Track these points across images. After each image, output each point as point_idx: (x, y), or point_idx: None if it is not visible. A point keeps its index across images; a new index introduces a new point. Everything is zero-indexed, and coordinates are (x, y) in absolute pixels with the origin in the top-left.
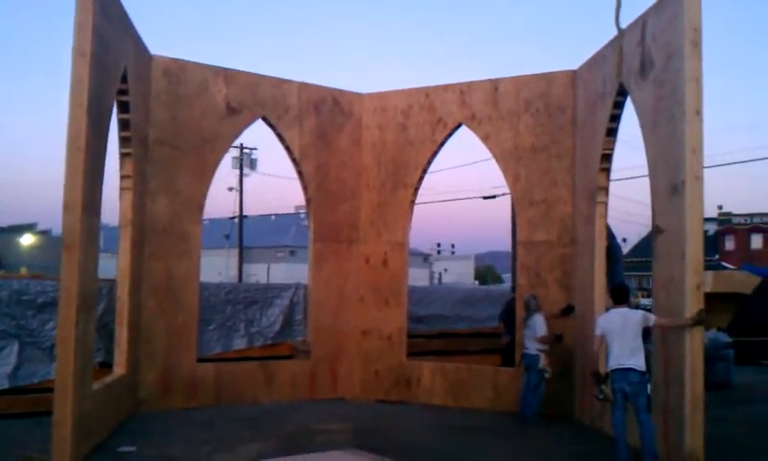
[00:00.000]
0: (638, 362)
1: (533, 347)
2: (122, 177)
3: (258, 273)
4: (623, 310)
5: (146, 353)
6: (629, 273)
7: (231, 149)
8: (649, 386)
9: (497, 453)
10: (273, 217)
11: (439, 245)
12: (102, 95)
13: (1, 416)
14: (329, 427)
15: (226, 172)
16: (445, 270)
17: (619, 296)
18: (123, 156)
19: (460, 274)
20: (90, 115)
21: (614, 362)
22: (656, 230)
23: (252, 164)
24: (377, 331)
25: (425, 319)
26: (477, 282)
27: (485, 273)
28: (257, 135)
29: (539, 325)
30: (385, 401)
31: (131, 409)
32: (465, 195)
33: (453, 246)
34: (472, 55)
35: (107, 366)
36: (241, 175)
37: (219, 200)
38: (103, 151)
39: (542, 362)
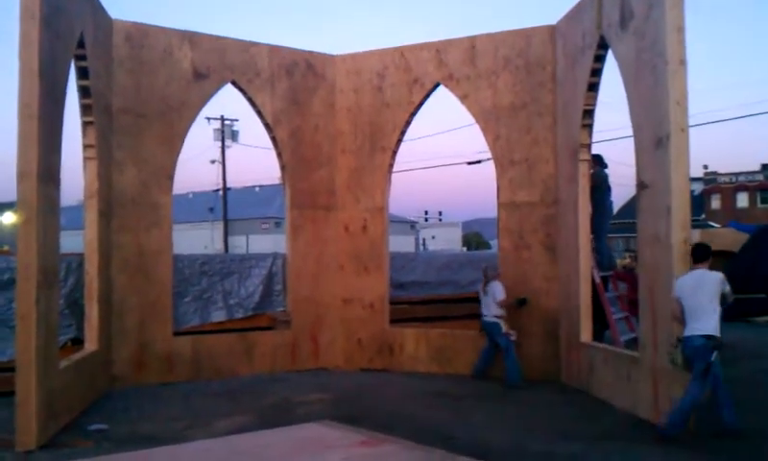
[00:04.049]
0: (705, 326)
1: (490, 313)
2: (85, 146)
3: (244, 245)
4: (699, 271)
5: (119, 329)
6: (616, 234)
7: (213, 121)
8: (715, 354)
9: (479, 419)
10: (257, 189)
11: (426, 212)
12: (55, 60)
13: None
14: (309, 399)
15: (207, 144)
16: (433, 237)
17: (699, 254)
18: (85, 124)
19: (447, 240)
20: (43, 81)
21: (690, 326)
22: (640, 187)
23: (234, 136)
24: (359, 300)
25: (408, 285)
26: (465, 249)
27: (472, 239)
28: (238, 107)
29: (497, 290)
30: (369, 370)
31: (105, 386)
32: (450, 161)
33: (440, 213)
34: (448, 10)
35: (79, 343)
36: (223, 147)
37: (202, 173)
38: (59, 118)
39: (505, 328)
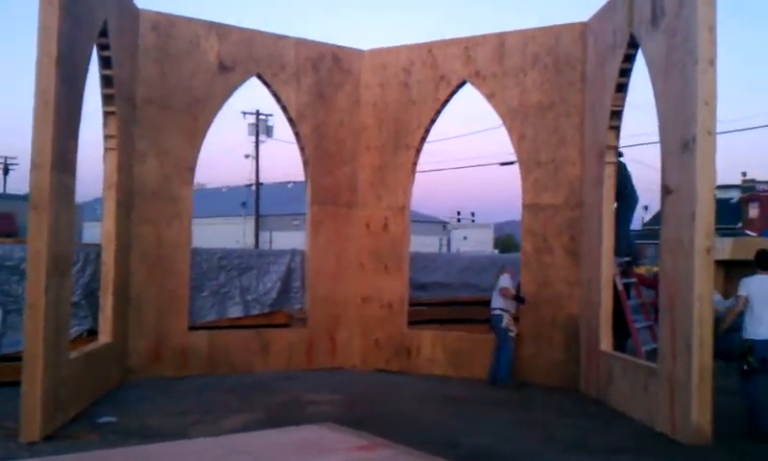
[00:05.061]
0: None
1: (496, 305)
2: (106, 137)
3: (275, 240)
4: None
5: (135, 321)
6: (649, 241)
7: (248, 115)
8: None
9: (491, 425)
10: (290, 185)
11: (459, 213)
12: (75, 47)
13: None
14: (320, 399)
15: (242, 139)
16: (465, 238)
17: (764, 261)
18: (107, 114)
19: (479, 242)
20: (61, 67)
21: (761, 330)
22: (664, 191)
23: (269, 131)
24: (377, 299)
25: (429, 286)
26: (496, 251)
27: (504, 241)
28: (273, 102)
29: (503, 280)
30: (384, 371)
31: (119, 378)
32: (485, 161)
33: (473, 214)
34: (477, 5)
35: (96, 334)
36: (257, 141)
37: (237, 167)
38: (77, 106)
39: (505, 321)
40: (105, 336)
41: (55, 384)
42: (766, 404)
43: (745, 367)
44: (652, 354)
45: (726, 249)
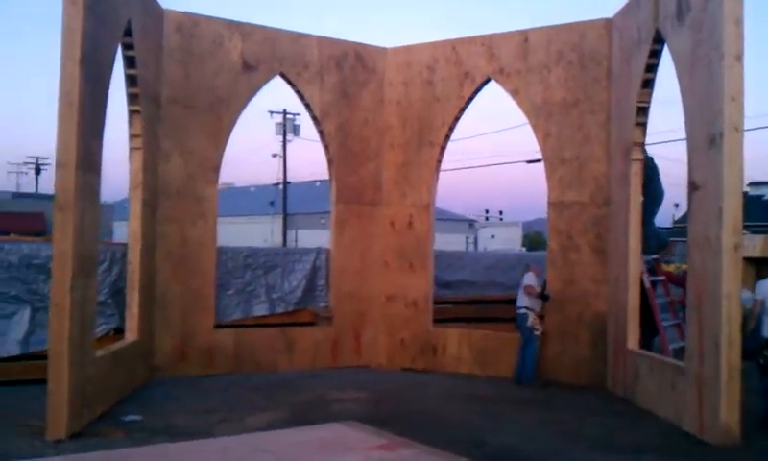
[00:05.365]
0: None
1: (521, 304)
2: (131, 136)
3: (303, 238)
4: None
5: (161, 319)
6: (679, 238)
7: (275, 115)
8: None
9: (516, 424)
10: (317, 183)
11: (487, 211)
12: (99, 46)
13: (13, 382)
14: (345, 397)
15: (269, 138)
16: (492, 236)
17: None
18: (131, 113)
19: (507, 240)
20: (85, 67)
21: None
22: (691, 187)
23: (296, 130)
24: (402, 297)
25: (454, 285)
26: (524, 249)
27: (533, 240)
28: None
29: (527, 278)
30: (410, 370)
31: (145, 376)
32: (511, 159)
33: (501, 212)
34: (501, 2)
35: (122, 332)
36: (284, 141)
37: (265, 167)
38: (102, 105)
39: (530, 320)
40: (131, 334)
41: (81, 382)
42: None
43: (762, 361)
44: (679, 352)
45: (757, 246)
